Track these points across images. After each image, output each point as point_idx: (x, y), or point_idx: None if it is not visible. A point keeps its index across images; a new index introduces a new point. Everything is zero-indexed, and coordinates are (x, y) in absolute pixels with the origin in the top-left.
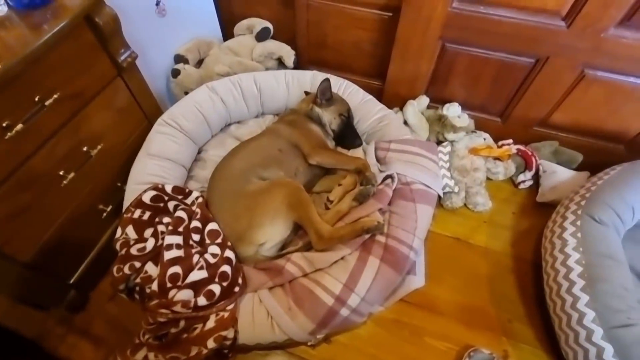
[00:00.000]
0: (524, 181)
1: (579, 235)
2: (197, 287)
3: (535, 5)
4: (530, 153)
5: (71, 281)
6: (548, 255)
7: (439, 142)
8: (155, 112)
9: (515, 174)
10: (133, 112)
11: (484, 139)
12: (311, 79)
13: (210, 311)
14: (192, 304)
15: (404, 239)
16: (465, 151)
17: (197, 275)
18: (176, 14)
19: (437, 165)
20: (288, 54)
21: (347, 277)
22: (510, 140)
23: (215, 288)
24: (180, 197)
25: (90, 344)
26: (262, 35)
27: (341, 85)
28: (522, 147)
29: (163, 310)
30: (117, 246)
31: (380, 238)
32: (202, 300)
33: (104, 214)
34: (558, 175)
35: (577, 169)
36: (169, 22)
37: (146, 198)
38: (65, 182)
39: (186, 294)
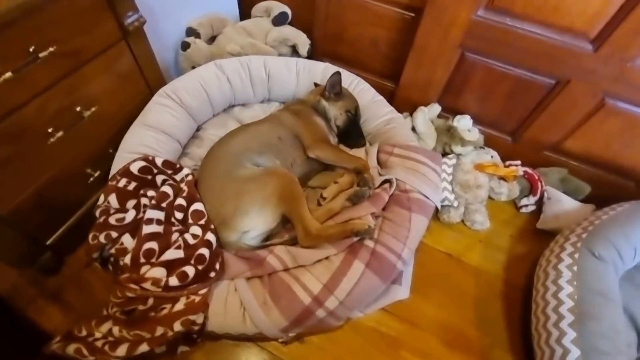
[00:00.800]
0: (526, 205)
1: (574, 268)
2: (171, 266)
3: (564, 23)
4: (537, 177)
5: (48, 242)
6: (540, 285)
7: (444, 154)
8: (158, 83)
9: (519, 197)
10: (135, 80)
11: (492, 156)
12: (323, 70)
13: (181, 293)
14: (162, 283)
15: (394, 247)
16: (470, 166)
17: (172, 254)
18: None
19: (439, 176)
20: (303, 42)
21: (329, 278)
22: (518, 162)
23: (190, 270)
24: (169, 172)
25: (59, 309)
26: (279, 20)
27: (353, 82)
28: (529, 170)
29: (132, 285)
30: (97, 213)
31: (369, 243)
32: (173, 281)
33: (91, 179)
34: (562, 204)
35: (583, 201)
36: None
37: (134, 168)
38: (52, 139)
39: (158, 272)
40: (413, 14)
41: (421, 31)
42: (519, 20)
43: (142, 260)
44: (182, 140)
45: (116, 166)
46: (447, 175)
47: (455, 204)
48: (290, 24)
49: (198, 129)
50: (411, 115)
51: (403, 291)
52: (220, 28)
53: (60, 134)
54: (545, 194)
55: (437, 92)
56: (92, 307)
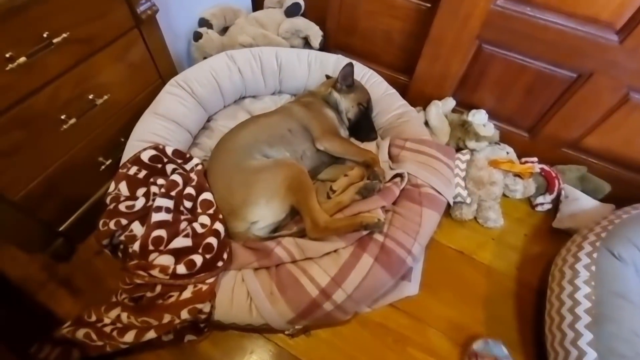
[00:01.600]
0: (542, 204)
1: (593, 268)
2: (179, 254)
3: (588, 13)
4: (554, 175)
5: (60, 229)
6: (555, 284)
7: (458, 149)
8: (170, 73)
9: (535, 195)
10: (147, 69)
11: (507, 152)
12: (335, 62)
13: (189, 281)
14: (170, 271)
15: (403, 242)
16: (484, 162)
17: (181, 242)
18: None
19: (452, 171)
20: (315, 34)
21: (337, 271)
22: (535, 159)
23: (197, 259)
24: (180, 161)
25: (70, 295)
26: (291, 11)
27: (365, 74)
28: (546, 167)
29: (140, 272)
30: (107, 200)
31: (379, 237)
32: (181, 269)
33: (102, 167)
34: (580, 203)
35: (602, 200)
36: None
37: (145, 156)
38: (65, 126)
39: (166, 260)
40: (429, 5)
41: (437, 22)
42: (540, 10)
43: (151, 247)
44: (193, 130)
45: (127, 154)
46: (461, 171)
47: (468, 200)
48: (303, 15)
49: (209, 120)
50: (425, 109)
51: (412, 287)
52: (233, 19)
53: (72, 121)
54: (563, 193)
55: (452, 86)
56: (102, 294)
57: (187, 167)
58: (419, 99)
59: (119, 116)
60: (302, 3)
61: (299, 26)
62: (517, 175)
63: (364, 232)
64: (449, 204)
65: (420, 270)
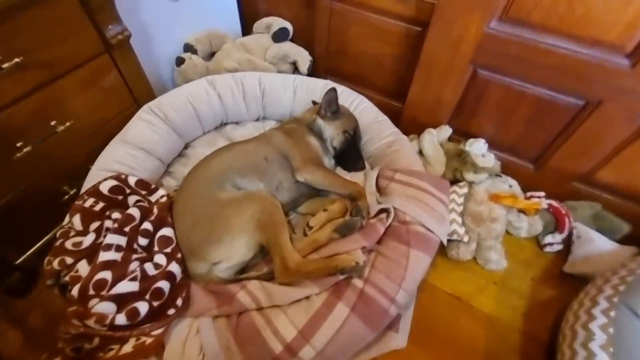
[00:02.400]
0: (551, 244)
1: (610, 330)
2: (122, 301)
3: (594, 35)
4: (563, 212)
5: (17, 262)
6: (566, 346)
7: (455, 181)
8: (147, 99)
9: (542, 234)
10: (120, 95)
11: (510, 185)
12: (323, 88)
13: (130, 333)
14: (107, 321)
15: (386, 289)
16: (484, 196)
17: (125, 286)
18: (193, 0)
19: (446, 207)
20: (304, 59)
21: (306, 323)
22: (542, 193)
23: (142, 307)
24: (143, 192)
25: (21, 335)
26: (279, 36)
27: (354, 100)
28: (554, 203)
29: (75, 322)
30: (57, 234)
31: (357, 282)
32: (121, 319)
33: (66, 197)
34: (595, 244)
35: (620, 242)
36: (183, 8)
37: (104, 187)
38: (19, 154)
39: (106, 307)
40: (420, 28)
41: (427, 46)
42: (539, 33)
43: (91, 292)
44: (165, 158)
45: (88, 184)
46: (457, 206)
47: (466, 238)
48: (292, 40)
49: (186, 147)
50: (419, 138)
51: (399, 339)
52: (220, 45)
53: (28, 148)
54: (574, 232)
55: (447, 113)
56: (55, 335)
57: (153, 198)
58: (413, 127)
59: (87, 143)
60: (290, 28)
61: (287, 51)
62: (522, 211)
63: (341, 277)
64: (442, 243)
65: (409, 319)
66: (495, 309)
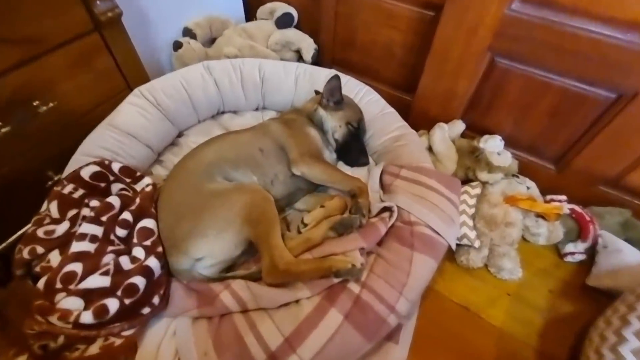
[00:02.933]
0: (573, 253)
1: None
2: (90, 296)
3: (631, 17)
4: (588, 218)
5: None
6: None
7: (467, 180)
8: (141, 82)
9: (563, 242)
10: (112, 78)
11: (528, 187)
12: (327, 77)
13: (97, 333)
14: (72, 319)
15: (385, 296)
16: (499, 198)
17: (95, 281)
18: None
19: (456, 208)
20: (308, 47)
21: (293, 330)
22: (563, 197)
23: (112, 304)
24: (128, 180)
25: None
26: (282, 21)
27: (360, 91)
28: (577, 209)
29: (38, 317)
30: (32, 221)
31: (354, 287)
32: (87, 317)
33: (50, 183)
34: (624, 255)
35: None
36: None
37: (85, 173)
38: None
39: (72, 303)
40: (432, 13)
41: (441, 32)
42: (567, 15)
43: (59, 285)
44: (155, 146)
45: (69, 170)
46: (468, 207)
47: (477, 243)
48: (297, 27)
49: (179, 136)
50: (429, 133)
51: (399, 352)
52: (221, 30)
53: (7, 129)
54: (600, 241)
55: (460, 107)
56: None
57: (138, 187)
58: (423, 121)
59: (75, 127)
60: (295, 14)
61: (290, 38)
62: (540, 215)
63: (335, 280)
64: (451, 248)
65: (411, 329)
66: (508, 322)
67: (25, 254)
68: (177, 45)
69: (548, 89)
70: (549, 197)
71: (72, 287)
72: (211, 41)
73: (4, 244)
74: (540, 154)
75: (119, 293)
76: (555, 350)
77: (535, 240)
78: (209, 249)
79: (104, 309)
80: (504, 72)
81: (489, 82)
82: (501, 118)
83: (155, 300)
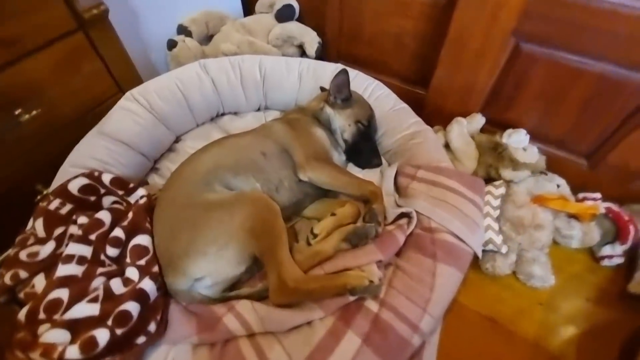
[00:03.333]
0: (610, 256)
1: None
2: (77, 327)
3: None
4: (626, 218)
5: None
6: None
7: (489, 180)
8: (133, 84)
9: (599, 244)
10: (100, 80)
11: (558, 185)
12: (333, 72)
13: None
14: (56, 355)
15: (408, 315)
16: (526, 198)
17: (82, 309)
18: None
19: (481, 211)
20: (311, 41)
21: (306, 357)
22: (598, 195)
23: (102, 335)
24: (121, 192)
25: None
26: (283, 14)
27: (369, 86)
28: (614, 207)
29: (18, 353)
30: (16, 241)
31: (371, 305)
32: (72, 352)
33: (38, 197)
34: None
35: None
36: None
37: (73, 187)
38: None
39: (58, 336)
40: None
41: (458, 17)
42: None
43: (42, 315)
44: (150, 153)
45: (56, 184)
46: (493, 209)
47: (504, 249)
48: (299, 20)
49: (177, 141)
50: (445, 129)
51: None
52: (218, 26)
53: None
54: None
55: (479, 100)
56: None
57: (131, 199)
58: (438, 117)
59: (63, 136)
60: (296, 5)
61: (292, 32)
62: (573, 216)
63: (351, 298)
64: (476, 255)
65: (435, 346)
66: (541, 335)
67: (7, 279)
68: (172, 44)
69: (581, 75)
70: (581, 195)
71: (57, 317)
72: (208, 38)
73: None
74: (570, 148)
75: (109, 322)
76: None
77: (568, 243)
78: (209, 268)
79: (92, 341)
80: (530, 58)
81: (512, 71)
82: (526, 110)
83: (151, 327)
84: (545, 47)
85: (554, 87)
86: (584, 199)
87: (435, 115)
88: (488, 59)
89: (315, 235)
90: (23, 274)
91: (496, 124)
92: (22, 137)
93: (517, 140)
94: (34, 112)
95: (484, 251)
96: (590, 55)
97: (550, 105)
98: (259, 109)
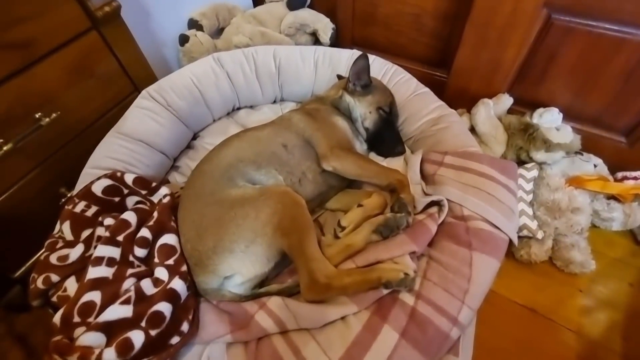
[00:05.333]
0: None
1: None
2: (111, 330)
3: None
4: None
5: (15, 275)
6: None
7: (520, 163)
8: (149, 82)
9: None
10: (118, 81)
11: (595, 165)
12: (349, 59)
13: None
14: (93, 358)
15: (445, 307)
16: (561, 180)
17: (116, 311)
18: None
19: (515, 196)
20: (325, 27)
21: (343, 354)
22: (639, 173)
23: (137, 337)
24: (144, 192)
25: (23, 354)
26: (294, 2)
27: (388, 71)
28: None
29: (56, 357)
30: (45, 246)
31: (407, 298)
32: (109, 354)
33: (63, 200)
34: None
35: None
36: None
37: (97, 188)
38: None
39: (93, 339)
40: None
41: None
42: None
43: (76, 319)
44: (170, 151)
45: (80, 186)
46: (525, 194)
47: (540, 234)
48: (310, 6)
49: (194, 138)
50: (469, 112)
51: None
52: (229, 19)
53: (8, 146)
54: None
55: (506, 79)
56: None
57: (155, 199)
58: (461, 100)
59: (84, 137)
60: None
61: (305, 19)
62: (613, 197)
63: (385, 291)
64: (511, 242)
65: (471, 338)
66: (584, 324)
67: (40, 283)
68: (184, 39)
69: (620, 46)
70: (620, 174)
71: (91, 319)
72: (219, 31)
73: (23, 268)
74: (607, 125)
75: (143, 324)
76: None
77: (608, 226)
78: (238, 266)
79: (128, 343)
80: (564, 31)
81: (543, 46)
82: (558, 88)
83: (185, 327)
84: (580, 18)
85: (590, 61)
86: (624, 178)
87: (458, 98)
88: (516, 35)
89: (343, 228)
90: (55, 278)
91: (525, 104)
92: (44, 141)
93: (549, 119)
94: (54, 115)
95: (518, 237)
96: (632, 23)
97: (585, 80)
98: (275, 101)
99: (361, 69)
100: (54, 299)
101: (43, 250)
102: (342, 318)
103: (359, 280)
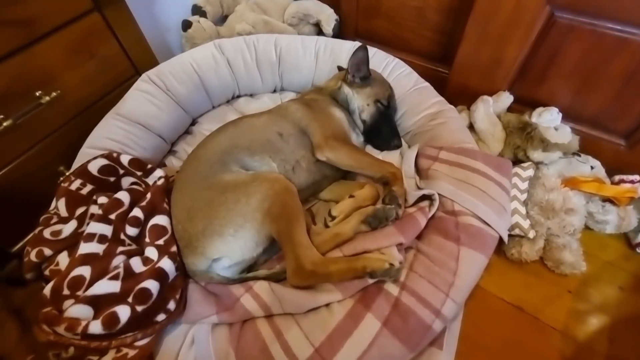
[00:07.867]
0: None
1: None
2: (99, 303)
3: None
4: None
5: (14, 249)
6: None
7: (517, 162)
8: (150, 66)
9: (636, 230)
10: (118, 63)
11: (592, 167)
12: (350, 51)
13: (108, 344)
14: (79, 329)
15: (429, 299)
16: (557, 181)
17: (103, 286)
18: None
19: (508, 194)
20: (328, 18)
21: (324, 339)
22: (636, 176)
23: (123, 311)
24: (139, 173)
25: (19, 327)
26: None
27: (389, 64)
28: None
29: (44, 327)
30: (40, 221)
31: (392, 289)
32: (95, 326)
33: (61, 178)
34: None
35: None
36: None
37: (93, 167)
38: None
39: (81, 311)
40: None
41: None
42: None
43: (66, 291)
44: (168, 136)
45: (77, 165)
46: (520, 193)
47: (531, 234)
48: None
49: (193, 124)
50: (469, 109)
51: (444, 358)
52: (233, 6)
53: (8, 122)
54: None
55: (507, 77)
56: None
57: (149, 180)
58: (461, 96)
59: (83, 117)
60: None
61: (308, 9)
62: (608, 200)
63: (370, 281)
64: (501, 239)
65: (456, 332)
66: (570, 325)
67: (33, 256)
68: (187, 25)
69: (624, 46)
70: (617, 177)
71: (79, 293)
72: (223, 19)
73: (20, 244)
74: (606, 127)
75: (129, 299)
76: (628, 356)
77: (602, 228)
78: (226, 249)
79: (114, 317)
80: (566, 29)
81: (545, 45)
82: (558, 87)
83: (171, 305)
84: (583, 16)
85: (592, 61)
86: (621, 181)
87: (459, 94)
88: (518, 31)
89: (333, 218)
90: (47, 252)
91: (525, 103)
92: (44, 119)
93: (548, 119)
94: (54, 94)
95: (510, 236)
96: (636, 24)
97: (586, 80)
98: (274, 91)
99: (360, 60)
100: (47, 272)
101: (38, 224)
102: (327, 305)
103: (345, 268)
